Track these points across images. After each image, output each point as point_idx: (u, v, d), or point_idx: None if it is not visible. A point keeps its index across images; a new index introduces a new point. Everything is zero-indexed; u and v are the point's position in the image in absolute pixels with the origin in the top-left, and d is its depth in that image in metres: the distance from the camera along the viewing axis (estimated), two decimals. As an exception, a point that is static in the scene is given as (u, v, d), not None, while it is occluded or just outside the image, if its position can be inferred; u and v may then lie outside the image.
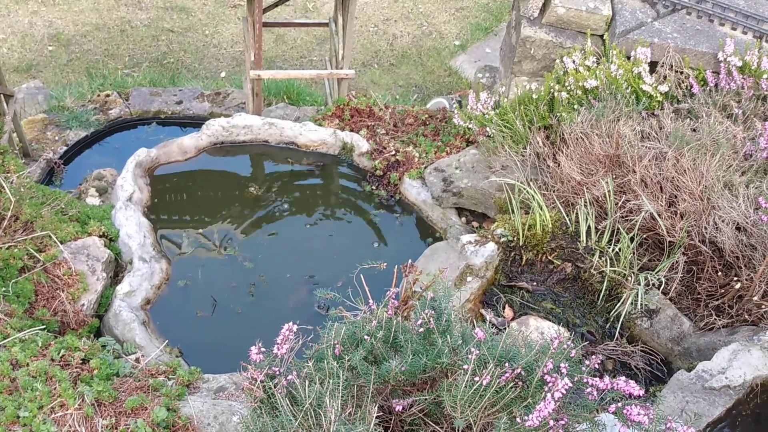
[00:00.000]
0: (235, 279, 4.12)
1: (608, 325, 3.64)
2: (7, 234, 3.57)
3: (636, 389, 2.24)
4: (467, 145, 5.03)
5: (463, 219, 4.66)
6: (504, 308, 3.68)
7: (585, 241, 3.81)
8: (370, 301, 2.67)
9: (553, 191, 4.10)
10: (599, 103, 4.45)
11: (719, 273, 3.55)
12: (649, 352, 3.49)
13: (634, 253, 3.68)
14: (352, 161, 5.07)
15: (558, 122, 4.52)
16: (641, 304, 3.53)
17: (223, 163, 4.96)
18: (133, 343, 3.46)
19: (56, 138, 5.41)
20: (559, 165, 4.20)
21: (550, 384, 2.20)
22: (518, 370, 2.27)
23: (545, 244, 3.83)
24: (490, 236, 3.91)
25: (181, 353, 3.64)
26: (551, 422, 2.16)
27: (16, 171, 3.96)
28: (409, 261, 3.11)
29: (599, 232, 3.83)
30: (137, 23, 8.54)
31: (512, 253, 3.86)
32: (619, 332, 3.57)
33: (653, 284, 3.57)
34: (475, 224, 4.62)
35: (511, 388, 2.23)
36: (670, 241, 3.71)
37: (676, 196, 3.82)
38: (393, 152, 4.97)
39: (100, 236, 3.97)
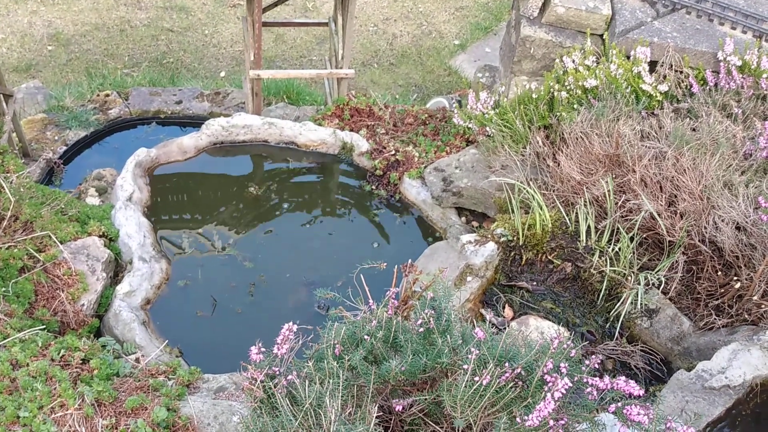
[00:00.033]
0: (234, 279, 4.12)
1: (608, 324, 3.64)
2: (6, 234, 3.57)
3: (636, 389, 2.24)
4: (467, 145, 5.03)
5: (463, 219, 4.66)
6: (504, 308, 3.68)
7: (585, 241, 3.81)
8: (370, 300, 2.67)
9: (553, 191, 4.10)
10: (599, 103, 4.45)
11: (719, 272, 3.55)
12: (648, 352, 3.49)
13: (633, 253, 3.68)
14: (352, 161, 5.07)
15: (558, 122, 4.52)
16: (641, 304, 3.53)
17: (222, 163, 4.96)
18: (133, 343, 3.46)
19: (56, 138, 5.41)
20: (558, 164, 4.20)
21: (550, 384, 2.20)
22: (518, 370, 2.27)
23: (545, 244, 3.83)
24: (489, 236, 3.91)
25: (181, 353, 3.64)
26: (551, 422, 2.16)
27: (16, 171, 3.96)
28: (409, 261, 3.11)
29: (599, 232, 3.83)
30: (137, 23, 8.54)
31: (512, 253, 3.86)
32: (618, 332, 3.57)
33: (653, 284, 3.57)
34: (475, 224, 4.62)
35: (511, 387, 2.23)
36: (669, 241, 3.71)
37: (675, 196, 3.82)
38: (393, 152, 4.97)
39: (100, 236, 3.97)
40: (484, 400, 2.20)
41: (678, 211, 3.75)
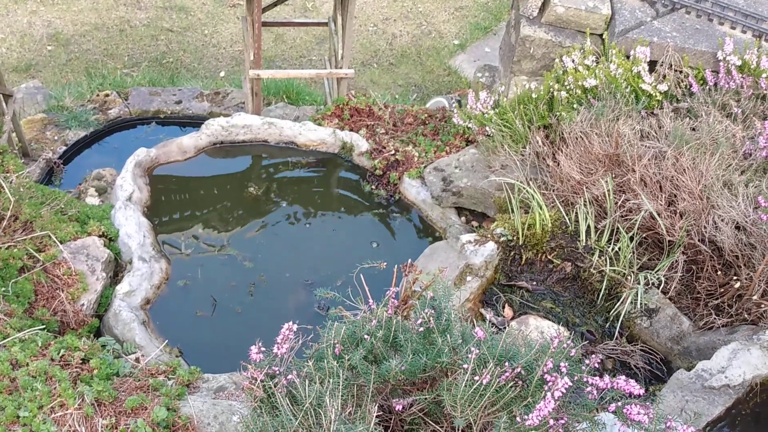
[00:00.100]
0: (234, 278, 4.12)
1: (608, 324, 3.64)
2: (6, 234, 3.57)
3: (636, 388, 2.24)
4: (467, 145, 5.03)
5: (463, 218, 4.66)
6: (504, 307, 3.68)
7: (584, 241, 3.81)
8: (370, 300, 2.67)
9: (553, 190, 4.10)
10: (599, 103, 4.45)
11: (719, 272, 3.56)
12: (648, 352, 3.49)
13: (633, 253, 3.68)
14: (352, 161, 5.07)
15: (557, 121, 4.52)
16: (641, 304, 3.53)
17: (222, 163, 4.96)
18: (132, 343, 3.46)
19: (55, 138, 5.41)
20: (558, 164, 4.20)
21: (550, 383, 2.20)
22: (518, 370, 2.27)
23: (545, 244, 3.83)
24: (489, 236, 3.91)
25: (180, 353, 3.64)
26: (551, 421, 2.16)
27: (16, 171, 3.96)
28: (409, 260, 3.11)
29: (599, 232, 3.83)
30: (136, 23, 8.54)
31: (512, 253, 3.86)
32: (618, 331, 3.57)
33: (653, 283, 3.58)
34: (475, 224, 4.62)
35: (511, 387, 2.23)
36: (669, 241, 3.71)
37: (675, 196, 3.82)
38: (392, 152, 4.97)
39: (100, 236, 3.97)
40: (484, 400, 2.21)
41: (678, 211, 3.75)
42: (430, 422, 2.41)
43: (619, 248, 3.67)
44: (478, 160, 4.71)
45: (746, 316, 3.38)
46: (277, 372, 2.42)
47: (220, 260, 4.23)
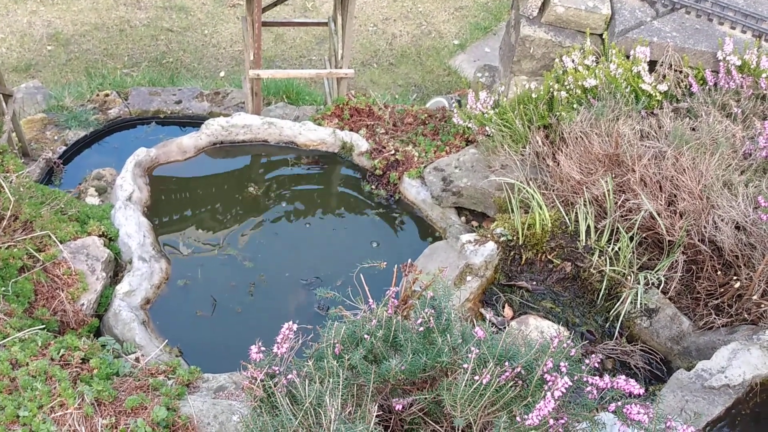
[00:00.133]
0: (234, 278, 4.12)
1: (608, 324, 3.64)
2: (6, 234, 3.57)
3: (636, 388, 2.24)
4: (467, 145, 5.03)
5: (463, 218, 4.66)
6: (504, 307, 3.68)
7: (584, 241, 3.81)
8: (370, 300, 2.67)
9: (553, 190, 4.10)
10: (598, 102, 4.45)
11: (719, 272, 3.56)
12: (648, 352, 3.49)
13: (633, 253, 3.68)
14: (352, 160, 5.07)
15: (557, 121, 4.52)
16: (641, 304, 3.53)
17: (222, 163, 4.96)
18: (132, 343, 3.46)
19: (55, 138, 5.41)
20: (558, 164, 4.20)
21: (550, 383, 2.20)
22: (518, 369, 2.27)
23: (545, 244, 3.83)
24: (489, 235, 3.91)
25: (180, 353, 3.64)
26: (551, 421, 2.16)
27: (16, 170, 3.96)
28: (409, 260, 3.11)
29: (599, 232, 3.83)
30: (136, 23, 8.54)
31: (512, 253, 3.86)
32: (618, 331, 3.57)
33: (653, 283, 3.58)
34: (475, 223, 4.62)
35: (511, 387, 2.23)
36: (669, 240, 3.71)
37: (675, 195, 3.82)
38: (392, 151, 4.97)
39: (100, 236, 3.97)
40: (484, 399, 2.20)
41: (677, 211, 3.75)
42: (430, 422, 2.41)
43: (619, 248, 3.67)
44: (478, 160, 4.71)
45: (746, 316, 3.38)
46: (277, 372, 2.42)
47: (220, 260, 4.23)
